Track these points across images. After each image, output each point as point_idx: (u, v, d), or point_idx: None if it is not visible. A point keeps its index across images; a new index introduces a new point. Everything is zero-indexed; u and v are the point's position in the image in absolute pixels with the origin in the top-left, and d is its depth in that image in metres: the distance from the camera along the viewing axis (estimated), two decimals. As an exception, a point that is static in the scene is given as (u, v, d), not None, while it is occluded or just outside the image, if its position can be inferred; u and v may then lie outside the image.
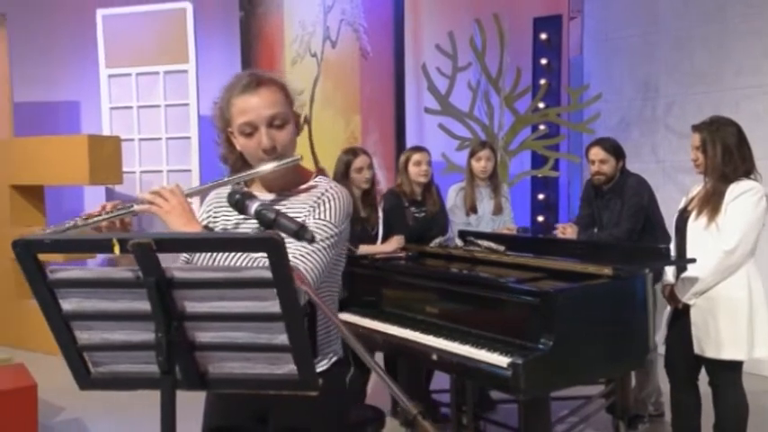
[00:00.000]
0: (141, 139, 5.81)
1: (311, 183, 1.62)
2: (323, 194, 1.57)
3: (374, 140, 5.14)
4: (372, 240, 3.47)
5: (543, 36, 5.81)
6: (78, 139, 5.04)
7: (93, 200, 5.94)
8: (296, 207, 1.58)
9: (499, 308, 2.51)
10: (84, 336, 1.24)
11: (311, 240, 1.33)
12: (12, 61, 5.88)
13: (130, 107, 5.86)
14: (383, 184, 4.64)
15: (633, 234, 3.46)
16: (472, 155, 3.88)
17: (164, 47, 5.70)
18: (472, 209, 3.86)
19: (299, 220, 1.54)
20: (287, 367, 1.23)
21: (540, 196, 5.90)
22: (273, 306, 1.15)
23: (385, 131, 5.15)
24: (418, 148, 3.81)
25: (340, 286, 1.67)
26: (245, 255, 1.41)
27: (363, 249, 3.36)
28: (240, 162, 1.62)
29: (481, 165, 3.83)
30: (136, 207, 1.48)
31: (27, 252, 1.13)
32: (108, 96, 5.92)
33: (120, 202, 1.51)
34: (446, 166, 5.26)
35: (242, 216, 1.53)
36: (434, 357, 2.56)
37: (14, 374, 3.16)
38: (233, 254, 1.44)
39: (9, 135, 5.84)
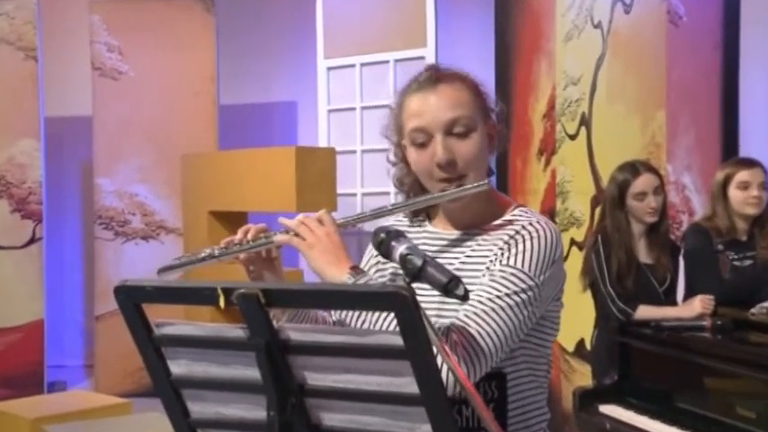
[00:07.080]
0: (364, 151, 6.30)
1: (507, 217, 1.71)
2: (518, 232, 1.64)
3: (687, 147, 4.97)
4: (660, 299, 3.46)
5: None
6: (284, 153, 5.56)
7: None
8: (485, 250, 1.67)
9: None
10: (196, 408, 1.45)
11: (464, 297, 1.41)
12: (219, 54, 6.78)
13: (353, 108, 6.40)
14: (699, 216, 4.49)
15: None
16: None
17: (395, 27, 6.14)
18: (842, 258, 3.61)
19: (481, 268, 1.63)
20: (437, 470, 1.32)
21: None
22: (409, 384, 1.25)
23: (705, 134, 4.95)
24: (746, 162, 3.73)
25: (549, 363, 1.71)
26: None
27: (645, 312, 3.35)
28: (417, 186, 1.77)
29: None
30: (275, 238, 1.69)
31: (128, 300, 1.37)
32: (326, 95, 6.54)
33: (265, 226, 1.74)
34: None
35: None
36: (738, 485, 2.51)
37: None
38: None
39: (212, 147, 6.70)
